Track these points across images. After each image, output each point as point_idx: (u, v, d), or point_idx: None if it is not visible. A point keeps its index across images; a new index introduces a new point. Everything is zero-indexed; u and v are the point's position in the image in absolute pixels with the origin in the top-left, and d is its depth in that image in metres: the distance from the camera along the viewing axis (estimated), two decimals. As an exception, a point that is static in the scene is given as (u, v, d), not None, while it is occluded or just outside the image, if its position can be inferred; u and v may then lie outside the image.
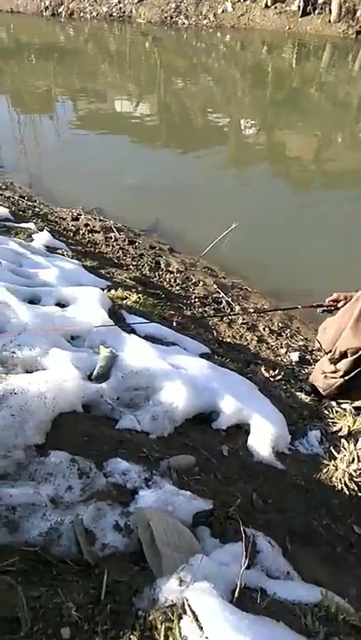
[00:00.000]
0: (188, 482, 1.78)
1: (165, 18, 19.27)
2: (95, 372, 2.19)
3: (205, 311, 4.00)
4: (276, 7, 17.44)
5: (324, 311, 2.74)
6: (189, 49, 17.16)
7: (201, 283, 4.51)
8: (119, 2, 20.34)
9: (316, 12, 16.77)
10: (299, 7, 16.87)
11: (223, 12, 18.33)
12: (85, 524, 1.42)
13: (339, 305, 2.66)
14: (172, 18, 19.19)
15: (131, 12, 20.05)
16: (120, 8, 20.29)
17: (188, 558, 1.35)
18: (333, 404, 2.75)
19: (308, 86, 12.78)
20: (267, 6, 17.49)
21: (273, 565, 1.53)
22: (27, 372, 2.03)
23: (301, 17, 16.92)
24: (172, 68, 14.85)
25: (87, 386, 2.06)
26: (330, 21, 16.47)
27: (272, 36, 16.94)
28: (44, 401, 1.80)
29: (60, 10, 21.37)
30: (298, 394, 2.87)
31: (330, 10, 16.42)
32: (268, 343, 3.73)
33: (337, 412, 2.59)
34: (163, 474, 1.76)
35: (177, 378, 2.24)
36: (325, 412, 2.64)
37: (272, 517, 1.77)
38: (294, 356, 3.52)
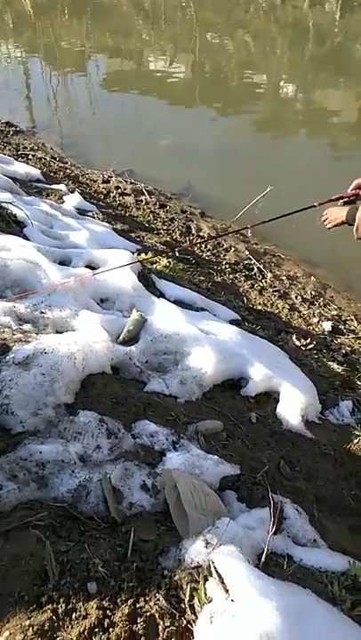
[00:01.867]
0: (215, 446, 1.77)
1: (203, -30, 18.35)
2: (122, 336, 2.18)
3: (236, 277, 3.93)
4: None
5: (345, 203, 2.33)
6: (227, 3, 16.37)
7: (232, 249, 4.41)
8: None
9: None
10: None
11: None
12: (113, 482, 1.43)
13: None
14: (209, -31, 18.26)
15: None
16: None
17: (215, 521, 1.35)
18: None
19: (352, 42, 12.07)
20: None
21: (300, 532, 1.52)
22: (57, 332, 2.03)
23: (348, -34, 15.83)
24: (208, 23, 14.23)
25: (116, 348, 2.06)
26: (379, -29, 15.36)
27: (315, -12, 15.95)
28: (74, 361, 1.80)
29: None
30: (330, 363, 2.81)
31: None
32: (300, 312, 3.65)
33: (370, 382, 2.53)
34: (190, 437, 1.75)
35: (206, 343, 2.21)
36: (358, 382, 2.58)
37: (300, 485, 1.76)
38: (327, 326, 3.43)
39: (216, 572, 1.15)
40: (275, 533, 1.38)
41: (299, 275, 4.21)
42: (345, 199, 2.30)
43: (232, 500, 1.56)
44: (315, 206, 2.30)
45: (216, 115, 7.96)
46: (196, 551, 1.22)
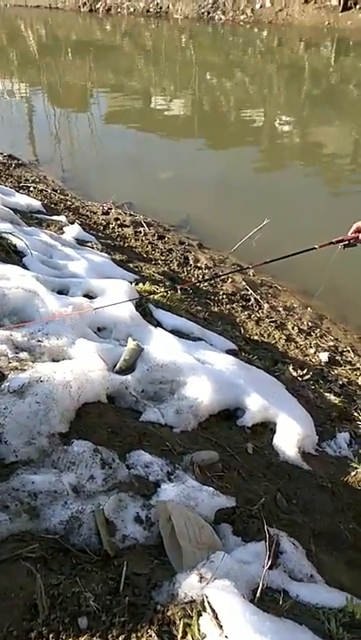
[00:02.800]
0: (210, 478, 1.75)
1: (202, 13, 19.18)
2: (118, 365, 2.18)
3: (233, 307, 3.96)
4: (315, 2, 17.11)
5: (346, 246, 2.32)
6: (225, 45, 17.03)
7: (230, 279, 4.46)
8: (156, -2, 20.35)
9: (358, 6, 16.35)
10: (339, 2, 16.50)
11: (261, 7, 18.11)
12: (106, 514, 1.41)
13: None
14: (208, 13, 19.09)
15: (168, 7, 20.03)
16: (157, 4, 20.29)
17: (209, 555, 1.33)
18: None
19: (346, 84, 12.50)
20: (306, 1, 17.18)
21: (296, 567, 1.49)
22: (53, 360, 2.03)
23: (342, 12, 16.55)
24: (207, 64, 14.77)
25: (112, 377, 2.06)
26: (371, 16, 16.06)
27: (310, 32, 16.63)
28: (70, 390, 1.80)
29: (97, 6, 21.54)
30: (326, 395, 2.80)
31: (371, 4, 16.02)
32: (296, 342, 3.65)
33: (367, 414, 2.52)
34: (185, 468, 1.74)
35: (203, 373, 2.21)
36: (355, 413, 2.57)
37: (296, 518, 1.73)
38: (324, 357, 3.44)
39: (210, 607, 1.12)
40: (270, 568, 1.35)
41: (295, 305, 4.24)
42: (345, 242, 2.31)
43: (227, 533, 1.53)
44: (315, 248, 2.30)
45: (214, 150, 8.18)
46: (189, 585, 1.20)
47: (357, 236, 2.29)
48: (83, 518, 1.37)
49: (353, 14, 16.43)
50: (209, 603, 1.13)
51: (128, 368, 2.19)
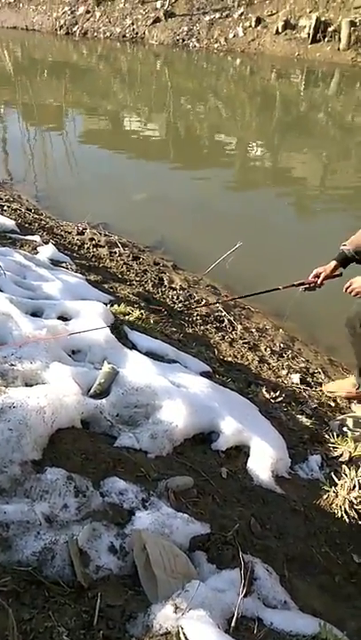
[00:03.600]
0: (185, 504, 1.75)
1: (177, 40, 19.68)
2: (93, 389, 2.16)
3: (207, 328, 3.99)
4: (286, 34, 17.81)
5: (306, 289, 2.61)
6: (199, 71, 17.46)
7: (204, 301, 4.50)
8: (132, 23, 20.80)
9: (326, 39, 17.10)
10: (309, 34, 17.23)
11: (234, 36, 18.72)
12: (80, 544, 1.39)
13: (319, 281, 2.60)
14: (183, 40, 19.59)
15: (144, 33, 20.48)
16: (133, 29, 20.73)
17: (184, 584, 1.32)
18: (337, 423, 2.74)
19: (315, 112, 12.95)
20: (277, 32, 17.86)
21: (270, 594, 1.49)
22: (26, 385, 2.01)
23: (311, 44, 17.26)
24: (181, 89, 15.09)
25: (87, 402, 2.04)
26: (339, 49, 16.79)
27: (281, 62, 17.24)
28: (43, 416, 1.78)
29: (74, 29, 21.85)
30: (298, 416, 2.84)
31: (339, 38, 16.76)
32: (269, 364, 3.70)
33: (338, 436, 2.56)
34: (160, 495, 1.73)
35: (178, 396, 2.22)
36: (326, 436, 2.61)
37: (270, 543, 1.73)
38: (295, 378, 3.49)
39: (185, 638, 1.11)
40: (245, 595, 1.35)
41: (268, 327, 4.31)
42: (306, 285, 2.58)
43: (202, 561, 1.52)
44: (279, 289, 2.61)
45: (188, 173, 8.32)
46: (164, 616, 1.19)
47: (316, 281, 2.59)
48: (56, 549, 1.35)
49: (321, 47, 17.15)
50: (184, 634, 1.12)
51: (103, 392, 2.18)
